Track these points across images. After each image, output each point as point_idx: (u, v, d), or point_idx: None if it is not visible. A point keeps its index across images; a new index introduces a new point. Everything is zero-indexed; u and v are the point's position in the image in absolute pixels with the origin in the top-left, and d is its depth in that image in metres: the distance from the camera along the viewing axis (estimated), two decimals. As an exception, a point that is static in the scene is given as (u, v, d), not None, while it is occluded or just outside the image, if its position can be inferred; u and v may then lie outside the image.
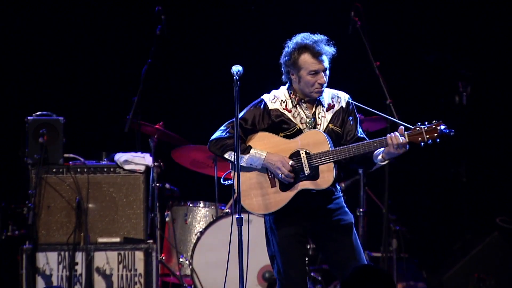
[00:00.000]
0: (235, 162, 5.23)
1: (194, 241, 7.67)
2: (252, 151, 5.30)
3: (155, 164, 7.56)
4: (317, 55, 5.25)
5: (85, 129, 8.88)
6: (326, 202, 5.34)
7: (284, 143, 5.31)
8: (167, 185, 7.91)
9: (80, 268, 7.12)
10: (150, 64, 7.61)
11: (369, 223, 8.24)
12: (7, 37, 8.96)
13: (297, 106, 5.36)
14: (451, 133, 5.08)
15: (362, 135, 5.38)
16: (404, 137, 5.10)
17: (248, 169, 5.36)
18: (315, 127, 5.33)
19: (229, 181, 5.48)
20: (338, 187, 5.43)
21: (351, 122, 5.38)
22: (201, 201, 8.01)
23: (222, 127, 5.41)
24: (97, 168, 7.27)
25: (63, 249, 7.13)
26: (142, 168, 7.30)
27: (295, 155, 5.28)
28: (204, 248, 7.59)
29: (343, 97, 5.42)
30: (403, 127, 5.14)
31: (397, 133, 5.13)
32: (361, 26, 7.95)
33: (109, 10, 9.12)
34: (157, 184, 7.65)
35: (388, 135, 5.14)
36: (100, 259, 7.17)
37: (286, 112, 5.35)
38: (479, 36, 9.22)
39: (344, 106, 5.39)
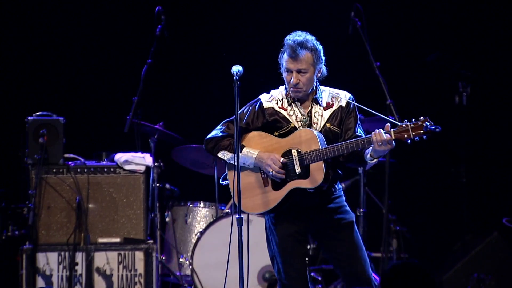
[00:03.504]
0: (233, 162, 5.31)
1: (194, 241, 7.67)
2: (244, 150, 5.36)
3: (155, 164, 7.56)
4: (291, 54, 5.31)
5: (85, 129, 8.87)
6: (325, 201, 5.37)
7: (277, 142, 5.35)
8: (167, 185, 7.92)
9: (80, 269, 7.12)
10: (150, 64, 7.60)
11: (369, 223, 8.24)
12: (7, 37, 8.96)
13: (292, 104, 5.40)
14: (437, 130, 5.08)
15: (360, 135, 5.38)
16: (390, 134, 5.12)
17: (242, 168, 5.39)
18: (310, 125, 5.36)
19: (227, 182, 5.51)
20: (339, 186, 5.45)
21: (351, 121, 5.39)
22: (201, 201, 8.01)
23: (218, 126, 5.48)
24: (97, 168, 7.27)
25: (63, 249, 7.13)
26: (142, 168, 7.30)
27: (287, 154, 5.31)
28: (204, 248, 7.59)
29: (344, 96, 5.44)
30: (389, 124, 5.15)
31: (381, 130, 5.14)
32: (361, 26, 7.96)
33: (109, 10, 9.12)
34: (157, 184, 7.65)
35: (373, 132, 5.16)
36: (100, 259, 7.17)
37: (282, 111, 5.40)
38: (479, 36, 9.22)
39: (343, 105, 5.41)
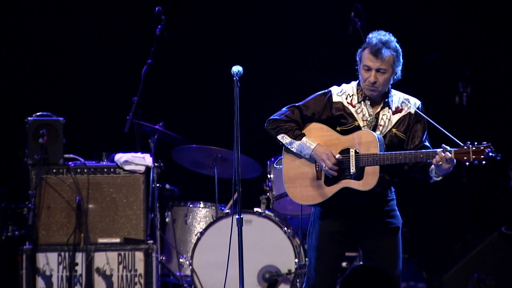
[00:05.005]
0: (291, 147, 5.36)
1: (194, 242, 7.67)
2: (304, 139, 5.36)
3: (155, 164, 7.56)
4: (374, 52, 5.28)
5: (85, 129, 8.88)
6: (380, 202, 5.38)
7: (337, 138, 5.35)
8: (167, 186, 7.92)
9: (80, 269, 7.11)
10: (150, 64, 7.60)
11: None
12: (7, 37, 8.96)
13: (362, 102, 5.39)
14: (498, 158, 5.11)
15: (427, 145, 5.39)
16: (450, 153, 5.12)
17: (298, 157, 5.40)
18: (375, 127, 5.35)
19: (280, 166, 5.52)
20: (393, 189, 5.45)
21: (418, 129, 5.39)
22: (201, 202, 8.01)
23: (284, 109, 5.46)
24: (97, 169, 7.26)
25: (63, 249, 7.12)
26: (142, 168, 7.30)
27: (345, 152, 5.31)
28: (204, 248, 7.59)
29: (413, 103, 5.43)
30: (444, 145, 5.15)
31: (439, 151, 5.13)
32: (361, 26, 7.96)
33: (109, 10, 9.12)
34: (157, 185, 7.65)
35: (433, 152, 5.16)
36: (100, 259, 7.16)
37: (350, 107, 5.39)
38: (479, 36, 9.22)
39: (412, 112, 5.40)
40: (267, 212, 7.70)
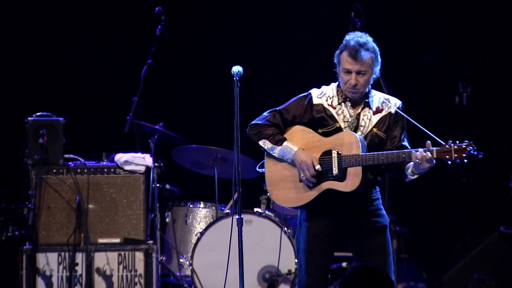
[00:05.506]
0: (272, 153, 5.38)
1: (194, 242, 7.67)
2: (285, 143, 5.38)
3: (155, 164, 7.56)
4: (353, 55, 5.29)
5: (85, 129, 8.87)
6: (365, 201, 5.38)
7: (319, 140, 5.36)
8: (167, 186, 7.92)
9: (80, 269, 7.11)
10: (150, 65, 7.60)
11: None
12: (7, 37, 8.96)
13: (342, 104, 5.40)
14: (480, 156, 5.10)
15: (405, 144, 5.40)
16: (431, 153, 5.11)
17: (280, 160, 5.43)
18: (357, 128, 5.36)
19: (263, 170, 5.53)
20: (377, 189, 5.46)
21: (397, 129, 5.40)
22: (201, 202, 8.02)
23: (265, 114, 5.49)
24: (97, 169, 7.26)
25: (63, 249, 7.12)
26: (142, 168, 7.29)
27: (327, 154, 5.32)
28: (204, 248, 7.59)
29: (394, 103, 5.44)
30: (429, 142, 5.14)
31: (421, 150, 5.13)
32: (361, 26, 7.96)
33: (109, 10, 9.12)
34: (157, 185, 7.65)
35: (415, 151, 5.15)
36: (100, 259, 7.16)
37: (331, 109, 5.40)
38: (479, 36, 9.22)
39: (392, 112, 5.42)
40: (267, 212, 7.70)
